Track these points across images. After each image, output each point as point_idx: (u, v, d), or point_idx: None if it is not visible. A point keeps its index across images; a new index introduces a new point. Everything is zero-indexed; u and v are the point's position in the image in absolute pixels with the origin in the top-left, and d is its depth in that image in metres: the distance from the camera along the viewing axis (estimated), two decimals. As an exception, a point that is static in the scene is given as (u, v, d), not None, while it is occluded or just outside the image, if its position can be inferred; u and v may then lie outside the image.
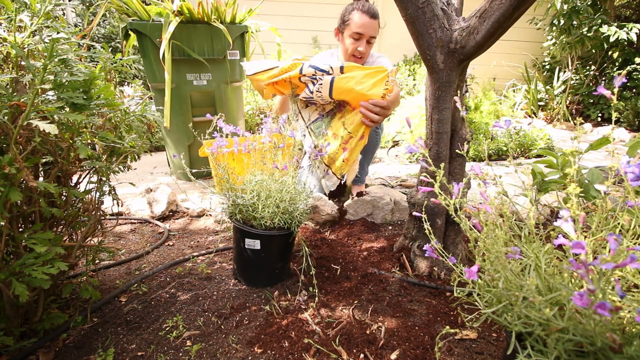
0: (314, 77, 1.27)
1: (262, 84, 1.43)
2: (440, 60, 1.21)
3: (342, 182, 1.33)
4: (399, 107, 3.78)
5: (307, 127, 1.35)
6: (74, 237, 1.17)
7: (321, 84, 1.26)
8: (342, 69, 1.25)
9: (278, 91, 1.45)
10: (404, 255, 1.47)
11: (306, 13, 5.42)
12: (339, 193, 1.41)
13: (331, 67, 1.25)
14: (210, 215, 1.98)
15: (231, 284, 1.33)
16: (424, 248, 0.83)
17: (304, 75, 1.29)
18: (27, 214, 0.99)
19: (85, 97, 0.95)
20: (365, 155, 2.10)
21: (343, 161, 1.29)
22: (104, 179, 1.15)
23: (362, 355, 0.99)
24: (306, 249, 1.30)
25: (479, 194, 0.79)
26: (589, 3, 4.54)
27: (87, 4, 5.38)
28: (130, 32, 2.28)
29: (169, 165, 2.80)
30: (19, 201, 0.92)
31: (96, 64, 1.15)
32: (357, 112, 1.31)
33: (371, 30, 1.75)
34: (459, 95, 1.28)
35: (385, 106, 1.28)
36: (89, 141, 1.10)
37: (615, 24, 4.39)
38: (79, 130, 1.02)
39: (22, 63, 0.99)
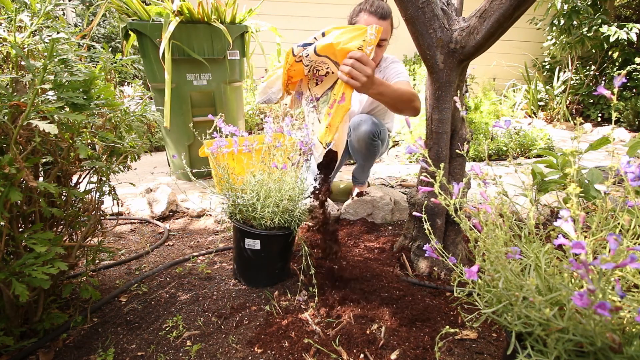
0: (307, 53, 1.32)
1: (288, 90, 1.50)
2: (440, 60, 1.21)
3: (327, 149, 1.26)
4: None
5: (317, 101, 1.39)
6: (74, 237, 1.17)
7: (308, 54, 1.31)
8: (323, 34, 1.29)
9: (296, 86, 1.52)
10: (404, 255, 1.47)
11: (306, 13, 5.41)
12: (328, 168, 1.36)
13: (314, 38, 1.30)
14: (210, 215, 1.98)
15: (231, 284, 1.33)
16: (424, 248, 0.83)
17: (297, 56, 1.34)
18: (27, 214, 0.99)
19: (85, 97, 0.95)
20: (365, 162, 2.04)
21: (326, 127, 1.22)
22: (104, 179, 1.15)
23: (362, 355, 0.99)
24: (306, 248, 1.30)
25: (479, 194, 0.79)
26: (589, 3, 4.54)
27: (87, 4, 5.39)
28: (130, 32, 2.28)
29: (169, 165, 2.80)
30: (19, 201, 0.92)
31: (96, 64, 1.15)
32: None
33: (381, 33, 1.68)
34: (459, 95, 1.28)
35: (360, 58, 1.16)
36: (89, 141, 1.10)
37: (615, 24, 4.39)
38: (79, 130, 1.02)
39: (22, 63, 0.98)
